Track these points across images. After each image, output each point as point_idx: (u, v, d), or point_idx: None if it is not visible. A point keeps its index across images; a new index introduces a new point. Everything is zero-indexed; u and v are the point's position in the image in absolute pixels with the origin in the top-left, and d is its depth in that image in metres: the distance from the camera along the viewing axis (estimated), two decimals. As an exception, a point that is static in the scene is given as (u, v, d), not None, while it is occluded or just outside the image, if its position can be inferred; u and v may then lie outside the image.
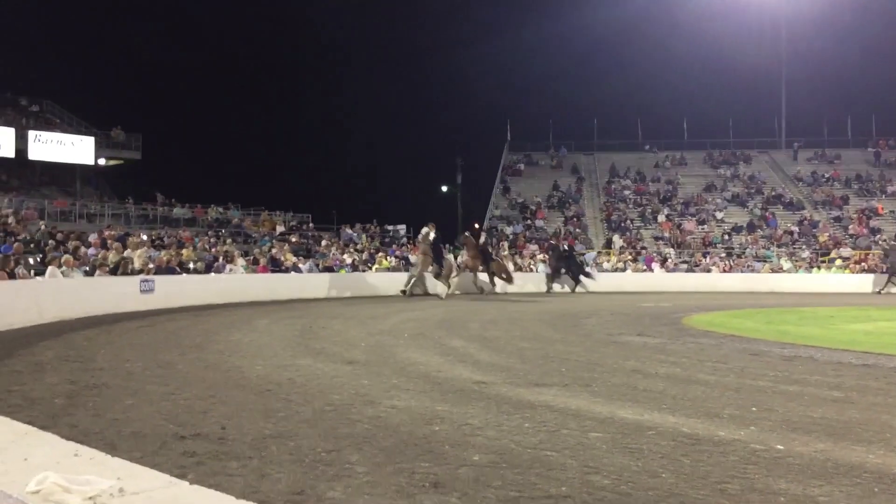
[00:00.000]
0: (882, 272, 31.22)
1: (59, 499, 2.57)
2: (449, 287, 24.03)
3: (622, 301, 23.31)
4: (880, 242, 36.23)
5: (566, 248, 30.67)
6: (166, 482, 2.80)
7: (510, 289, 27.17)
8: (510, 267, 28.27)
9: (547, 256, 31.04)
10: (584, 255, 33.26)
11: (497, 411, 6.00)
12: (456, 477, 4.16)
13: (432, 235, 23.27)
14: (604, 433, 5.27)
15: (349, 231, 33.38)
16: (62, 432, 4.80)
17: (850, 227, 39.25)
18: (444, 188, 49.12)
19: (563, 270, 28.87)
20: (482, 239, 26.33)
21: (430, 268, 23.71)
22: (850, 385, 7.53)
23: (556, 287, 28.86)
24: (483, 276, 26.16)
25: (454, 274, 25.06)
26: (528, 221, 41.07)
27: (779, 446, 4.94)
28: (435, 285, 24.64)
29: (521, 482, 4.09)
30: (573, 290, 28.60)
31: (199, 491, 2.73)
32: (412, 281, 24.19)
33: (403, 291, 23.26)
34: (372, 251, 30.55)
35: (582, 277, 29.10)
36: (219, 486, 3.78)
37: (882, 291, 29.99)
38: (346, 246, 30.51)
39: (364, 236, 33.22)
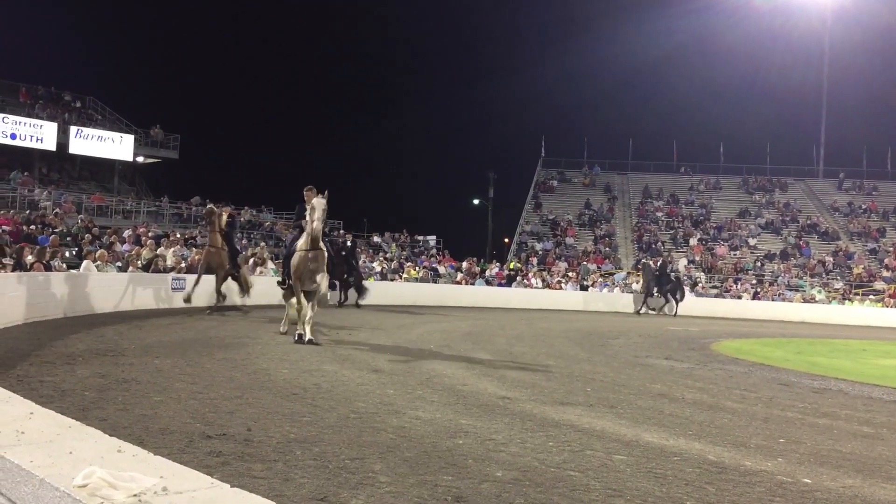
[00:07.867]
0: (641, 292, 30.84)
1: (105, 494, 2.60)
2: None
3: (650, 323, 23.12)
4: (642, 262, 34.72)
5: (349, 243, 27.49)
6: (208, 483, 2.82)
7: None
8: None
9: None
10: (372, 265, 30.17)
11: (521, 428, 5.99)
12: (478, 492, 4.16)
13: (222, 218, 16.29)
14: (628, 456, 5.23)
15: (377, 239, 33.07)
16: (93, 426, 4.87)
17: (886, 259, 38.59)
18: (476, 201, 49.09)
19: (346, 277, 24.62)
20: (224, 218, 17.26)
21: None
22: (881, 421, 7.41)
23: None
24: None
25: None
26: (559, 238, 40.94)
27: (806, 480, 4.86)
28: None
29: (543, 501, 4.07)
30: (341, 303, 24.09)
31: (239, 494, 2.75)
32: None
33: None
34: (401, 260, 30.66)
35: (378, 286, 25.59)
36: (243, 487, 3.80)
37: (640, 312, 29.71)
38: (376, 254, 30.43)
39: (394, 245, 33.36)
